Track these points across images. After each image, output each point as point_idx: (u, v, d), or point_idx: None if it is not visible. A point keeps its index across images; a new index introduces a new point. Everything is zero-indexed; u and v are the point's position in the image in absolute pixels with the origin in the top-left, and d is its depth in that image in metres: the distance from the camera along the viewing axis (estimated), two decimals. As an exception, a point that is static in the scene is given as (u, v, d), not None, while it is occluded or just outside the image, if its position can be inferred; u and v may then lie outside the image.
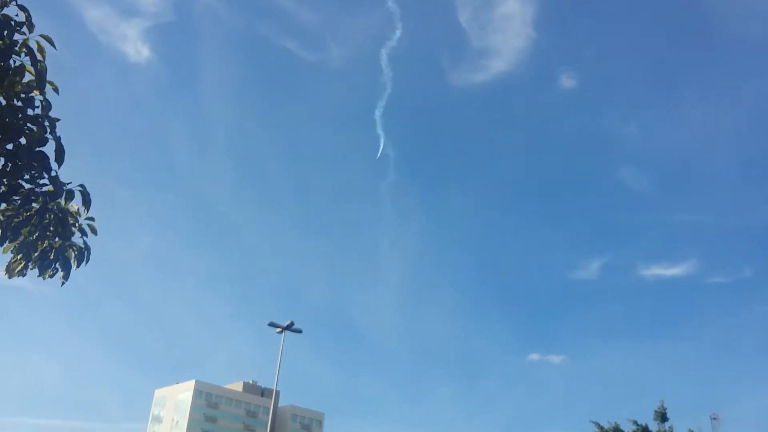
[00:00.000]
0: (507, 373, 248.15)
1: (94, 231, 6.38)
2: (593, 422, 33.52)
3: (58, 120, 5.69)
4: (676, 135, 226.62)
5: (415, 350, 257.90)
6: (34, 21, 5.53)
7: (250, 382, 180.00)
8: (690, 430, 31.80)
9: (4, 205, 5.80)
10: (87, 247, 6.38)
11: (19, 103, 5.56)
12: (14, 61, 5.47)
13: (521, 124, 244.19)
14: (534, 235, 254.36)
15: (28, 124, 5.55)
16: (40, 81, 5.59)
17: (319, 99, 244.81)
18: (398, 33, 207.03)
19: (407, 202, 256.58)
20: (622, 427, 32.93)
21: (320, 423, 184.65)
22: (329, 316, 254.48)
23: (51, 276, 6.24)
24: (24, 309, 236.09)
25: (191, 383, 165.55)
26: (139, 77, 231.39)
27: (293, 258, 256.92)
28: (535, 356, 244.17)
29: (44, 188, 5.85)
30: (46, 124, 5.62)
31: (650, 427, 32.35)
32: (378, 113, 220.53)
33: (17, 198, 5.77)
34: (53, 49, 5.66)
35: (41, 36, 5.57)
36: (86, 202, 6.07)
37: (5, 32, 5.33)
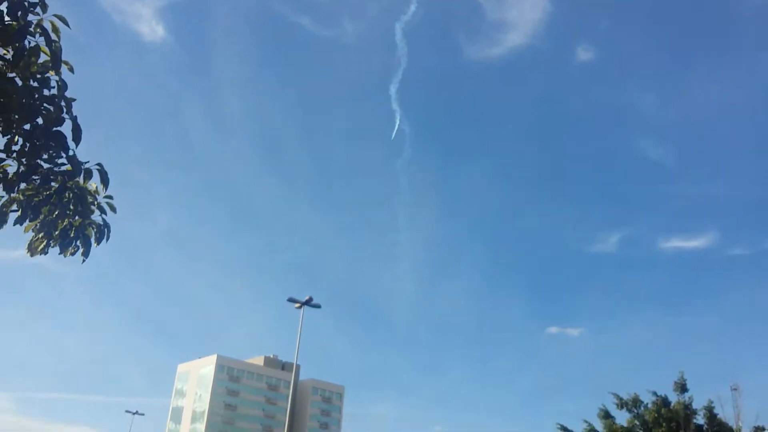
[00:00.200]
0: (525, 346, 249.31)
1: (113, 209, 6.46)
2: (612, 393, 33.54)
3: (74, 100, 5.73)
4: (695, 105, 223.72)
5: (432, 325, 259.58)
6: (47, 1, 5.54)
7: (271, 356, 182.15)
8: (710, 400, 31.72)
9: (23, 185, 5.88)
10: (107, 225, 6.47)
11: (35, 84, 5.60)
12: (29, 42, 5.49)
13: (538, 98, 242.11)
14: (552, 209, 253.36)
15: (45, 104, 5.60)
16: (56, 61, 5.61)
17: (334, 75, 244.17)
18: (413, 7, 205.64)
19: (423, 178, 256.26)
20: (641, 398, 32.91)
21: (340, 396, 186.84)
22: (347, 292, 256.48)
23: (72, 254, 6.34)
24: (46, 287, 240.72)
25: (213, 358, 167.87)
26: (154, 56, 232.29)
27: (311, 234, 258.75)
28: (553, 329, 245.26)
29: (62, 168, 5.91)
30: (63, 104, 5.66)
31: (669, 398, 32.33)
32: (393, 89, 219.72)
33: (36, 177, 5.84)
34: (68, 28, 5.67)
35: (55, 16, 5.58)
36: (104, 180, 6.13)
37: (19, 13, 5.34)
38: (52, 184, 5.98)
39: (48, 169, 5.87)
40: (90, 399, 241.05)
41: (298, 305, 41.25)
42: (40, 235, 6.20)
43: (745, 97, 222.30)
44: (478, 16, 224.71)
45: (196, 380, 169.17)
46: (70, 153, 5.77)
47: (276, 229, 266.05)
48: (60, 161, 5.85)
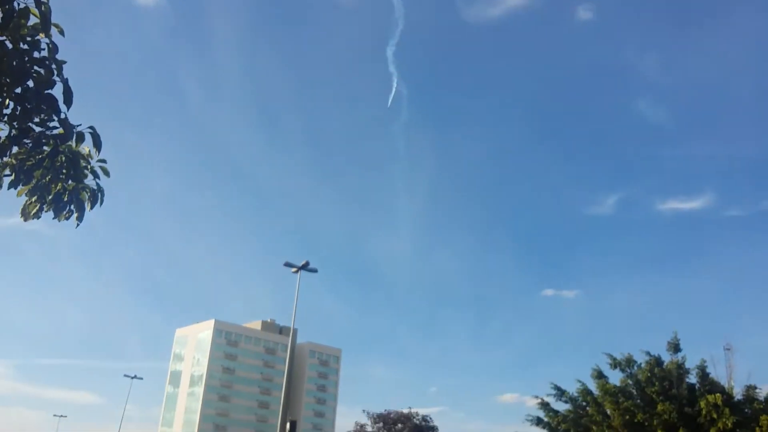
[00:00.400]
0: (521, 308, 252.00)
1: (106, 173, 6.46)
2: (606, 354, 33.92)
3: (65, 62, 5.68)
4: (695, 66, 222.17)
5: (429, 288, 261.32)
6: (35, -39, 5.46)
7: (268, 320, 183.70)
8: (702, 359, 31.99)
9: (15, 149, 5.86)
10: (100, 189, 6.47)
11: (26, 46, 5.54)
12: (18, 4, 5.42)
13: (537, 59, 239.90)
14: (549, 170, 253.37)
15: (35, 67, 5.55)
16: (45, 23, 5.54)
17: (330, 37, 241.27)
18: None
19: (421, 141, 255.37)
20: (635, 358, 33.28)
21: (337, 359, 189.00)
22: (344, 257, 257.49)
23: (66, 218, 6.35)
24: (41, 253, 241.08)
25: (211, 322, 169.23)
26: (147, 20, 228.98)
27: (307, 199, 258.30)
28: (549, 292, 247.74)
29: (54, 131, 5.89)
30: (53, 66, 5.61)
31: (663, 358, 32.70)
32: (390, 51, 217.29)
33: (28, 141, 5.83)
34: (56, -11, 5.60)
35: (43, -24, 5.50)
36: (97, 144, 6.12)
37: (7, -26, 5.27)
38: (44, 147, 5.96)
39: (40, 132, 5.84)
40: (88, 364, 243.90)
41: (294, 270, 41.47)
42: (33, 199, 6.21)
43: (745, 58, 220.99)
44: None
45: (194, 345, 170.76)
46: (62, 116, 5.74)
47: (272, 194, 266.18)
48: (52, 124, 5.83)
